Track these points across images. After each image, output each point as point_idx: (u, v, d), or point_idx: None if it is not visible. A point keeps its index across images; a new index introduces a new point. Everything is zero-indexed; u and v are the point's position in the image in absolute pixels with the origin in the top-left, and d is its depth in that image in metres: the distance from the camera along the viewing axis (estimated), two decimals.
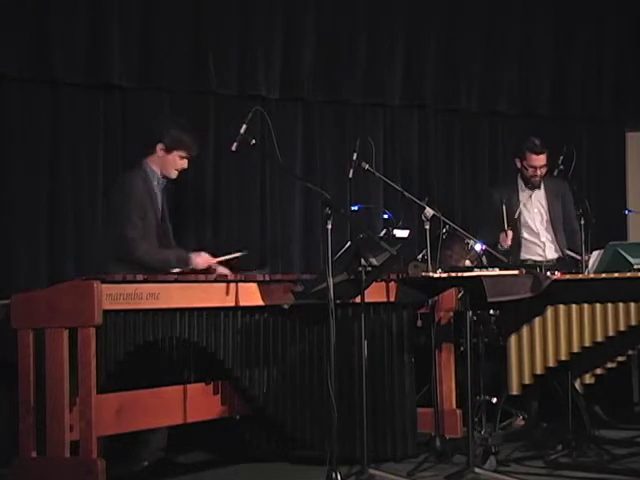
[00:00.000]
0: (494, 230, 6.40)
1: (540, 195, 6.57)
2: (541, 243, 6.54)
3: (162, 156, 5.37)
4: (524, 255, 6.50)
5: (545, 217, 6.56)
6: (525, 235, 6.53)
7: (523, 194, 6.56)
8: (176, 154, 5.37)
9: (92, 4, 6.03)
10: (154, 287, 4.72)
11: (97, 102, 6.12)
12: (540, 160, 6.44)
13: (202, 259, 5.26)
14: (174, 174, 5.43)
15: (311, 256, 6.73)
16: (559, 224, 6.53)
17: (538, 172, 6.48)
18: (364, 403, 4.92)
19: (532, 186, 6.51)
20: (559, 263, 6.35)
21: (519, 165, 6.52)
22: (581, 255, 5.72)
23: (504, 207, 6.26)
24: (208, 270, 5.25)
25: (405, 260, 5.70)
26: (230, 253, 5.47)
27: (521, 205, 6.52)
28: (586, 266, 5.57)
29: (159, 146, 5.36)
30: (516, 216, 6.40)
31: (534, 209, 6.55)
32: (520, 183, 6.56)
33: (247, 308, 5.09)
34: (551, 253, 6.51)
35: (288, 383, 5.28)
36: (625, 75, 8.04)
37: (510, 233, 6.25)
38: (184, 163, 5.41)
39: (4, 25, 5.73)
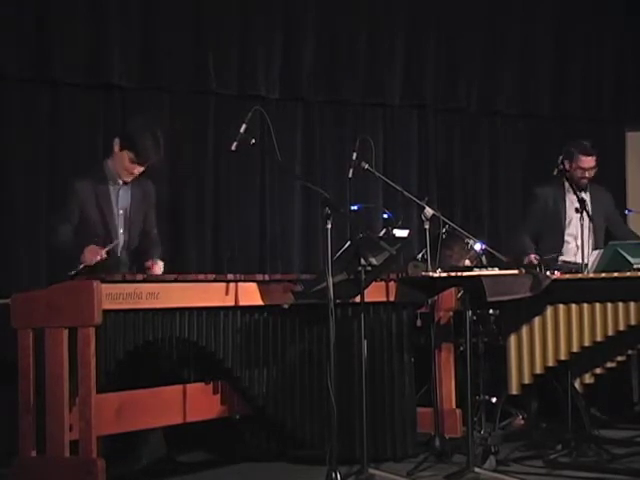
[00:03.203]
0: (533, 231, 6.44)
1: (586, 199, 6.53)
2: (576, 246, 6.53)
3: (116, 153, 5.20)
4: (561, 258, 6.50)
5: (586, 222, 6.51)
6: (566, 237, 6.53)
7: (569, 196, 6.55)
8: (126, 154, 5.16)
9: (92, 4, 6.04)
10: (154, 287, 4.72)
11: (97, 102, 6.13)
12: (590, 162, 6.45)
13: (88, 252, 4.92)
14: (125, 175, 5.22)
15: (311, 256, 6.74)
16: (600, 230, 6.50)
17: (587, 174, 6.47)
18: (364, 403, 4.91)
19: (579, 189, 6.46)
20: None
21: (567, 167, 6.44)
22: None
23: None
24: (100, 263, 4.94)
25: (405, 260, 5.70)
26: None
27: (567, 207, 6.52)
28: (586, 265, 5.56)
29: (115, 140, 5.21)
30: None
31: (578, 212, 6.50)
32: (567, 185, 6.54)
33: (247, 308, 5.09)
34: (581, 258, 6.46)
35: (288, 383, 5.28)
36: (625, 75, 8.04)
37: (534, 261, 6.21)
38: (134, 168, 5.19)
39: (4, 25, 5.75)
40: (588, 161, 6.46)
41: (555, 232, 6.54)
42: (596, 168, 6.49)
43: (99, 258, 4.95)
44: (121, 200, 5.31)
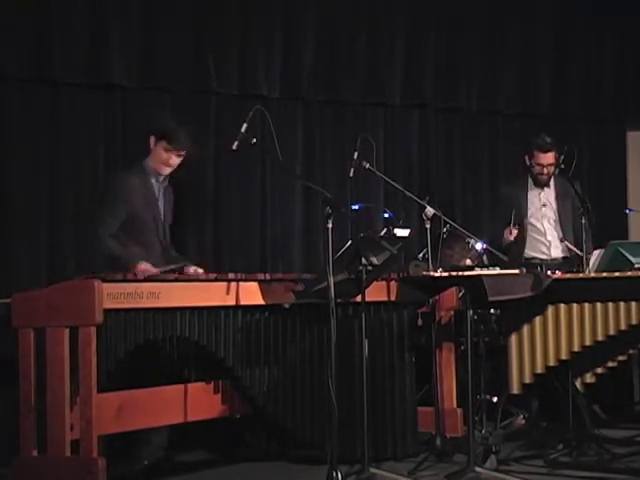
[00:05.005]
0: (505, 228, 6.44)
1: (549, 193, 6.53)
2: (547, 242, 6.50)
3: (152, 149, 5.33)
4: (529, 252, 6.47)
5: (554, 216, 6.52)
6: (531, 233, 6.51)
7: (532, 192, 6.53)
8: (160, 146, 5.30)
9: (92, 4, 6.03)
10: (155, 286, 4.72)
11: (97, 102, 6.13)
12: (547, 158, 6.40)
13: (142, 268, 4.96)
14: (163, 169, 5.35)
15: (311, 255, 6.74)
16: (567, 223, 6.49)
17: (545, 170, 6.44)
18: (364, 402, 4.91)
19: (540, 184, 6.49)
20: (564, 262, 6.32)
21: (528, 162, 6.48)
22: (582, 251, 5.68)
23: (513, 209, 6.24)
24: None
25: (406, 259, 5.69)
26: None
27: (529, 204, 6.51)
28: (587, 264, 5.56)
29: (151, 139, 5.33)
30: (524, 219, 6.38)
31: (542, 208, 6.52)
32: (530, 181, 6.54)
33: (248, 307, 5.09)
34: (556, 252, 6.48)
35: (288, 382, 5.28)
36: (625, 74, 8.05)
37: (515, 231, 6.23)
38: (170, 158, 5.31)
39: (4, 25, 5.74)
40: (546, 157, 6.40)
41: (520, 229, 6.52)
42: (555, 164, 6.41)
43: (147, 275, 4.89)
44: (161, 198, 5.42)
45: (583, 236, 5.64)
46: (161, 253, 5.37)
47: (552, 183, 6.52)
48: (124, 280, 4.65)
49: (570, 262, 6.28)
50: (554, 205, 6.52)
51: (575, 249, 6.17)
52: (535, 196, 6.53)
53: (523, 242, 6.44)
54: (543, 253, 6.47)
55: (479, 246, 5.79)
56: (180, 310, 4.84)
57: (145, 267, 5.01)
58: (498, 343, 5.79)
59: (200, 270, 5.27)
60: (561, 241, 6.40)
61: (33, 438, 4.62)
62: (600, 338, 5.08)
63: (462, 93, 7.42)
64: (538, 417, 6.21)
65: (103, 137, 6.11)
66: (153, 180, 5.38)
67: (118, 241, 5.18)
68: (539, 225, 6.51)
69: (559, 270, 5.49)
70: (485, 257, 5.91)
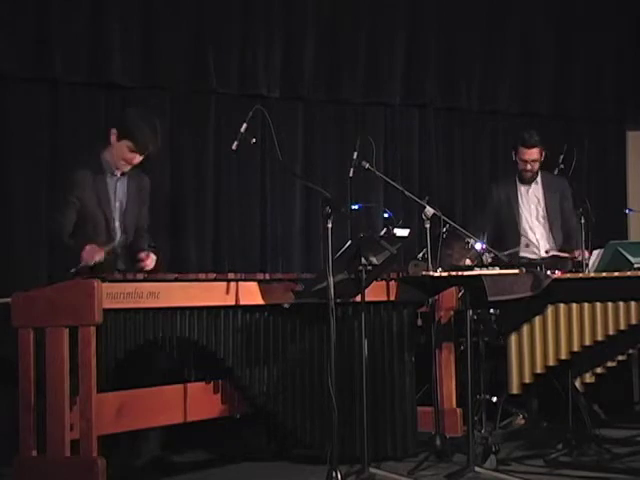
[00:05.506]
0: (489, 226, 6.43)
1: (537, 190, 6.54)
2: (536, 240, 6.52)
3: (113, 143, 5.17)
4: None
5: (541, 213, 6.54)
6: (520, 230, 6.52)
7: (521, 188, 6.54)
8: (124, 144, 5.13)
9: (92, 3, 6.03)
10: (154, 286, 4.71)
11: (98, 101, 6.13)
12: (531, 154, 6.40)
13: (86, 252, 4.87)
14: (122, 165, 5.19)
15: (311, 255, 6.74)
16: (555, 220, 6.50)
17: (529, 166, 6.43)
18: (364, 402, 4.92)
19: (523, 180, 6.49)
20: (552, 260, 6.32)
21: (514, 158, 6.50)
22: (574, 253, 5.68)
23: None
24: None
25: (405, 259, 5.69)
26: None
27: (518, 200, 6.50)
28: (586, 265, 5.56)
29: (112, 131, 5.18)
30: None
31: (530, 204, 6.53)
32: (518, 178, 6.55)
33: (247, 307, 5.09)
34: (544, 249, 6.49)
35: (288, 382, 5.27)
36: (626, 74, 8.05)
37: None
38: (133, 157, 5.16)
39: (4, 24, 5.74)
40: (529, 153, 6.40)
41: (511, 227, 6.52)
42: (539, 161, 6.40)
43: (97, 259, 4.91)
44: (118, 192, 5.29)
45: (582, 236, 5.64)
46: (118, 256, 5.24)
47: (539, 179, 6.53)
48: (124, 280, 4.64)
49: (560, 260, 6.27)
50: (542, 201, 6.53)
51: (562, 254, 6.17)
52: (524, 192, 6.53)
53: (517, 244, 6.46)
54: (533, 253, 6.47)
55: (479, 246, 5.78)
56: (180, 310, 4.83)
57: (90, 248, 4.90)
58: (498, 343, 5.79)
59: (153, 256, 5.22)
60: (547, 252, 6.40)
61: (33, 438, 4.61)
62: (600, 338, 5.08)
63: (462, 93, 7.43)
64: (538, 417, 6.22)
65: (104, 136, 6.09)
66: (108, 177, 5.24)
67: (75, 238, 5.08)
68: (528, 221, 6.50)
69: (558, 270, 5.48)
70: (485, 257, 5.90)
